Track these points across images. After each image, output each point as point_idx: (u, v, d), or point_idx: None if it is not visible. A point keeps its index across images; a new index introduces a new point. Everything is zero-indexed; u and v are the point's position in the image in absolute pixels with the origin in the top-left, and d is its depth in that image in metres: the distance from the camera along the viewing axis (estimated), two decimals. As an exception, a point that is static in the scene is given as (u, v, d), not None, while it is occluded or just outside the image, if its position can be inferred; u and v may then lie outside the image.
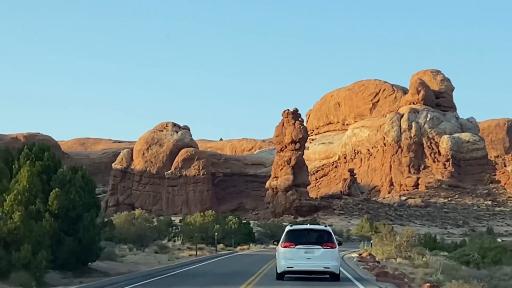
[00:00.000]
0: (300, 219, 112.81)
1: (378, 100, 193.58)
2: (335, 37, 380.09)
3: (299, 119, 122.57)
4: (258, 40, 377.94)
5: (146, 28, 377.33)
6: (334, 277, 22.19)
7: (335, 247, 22.10)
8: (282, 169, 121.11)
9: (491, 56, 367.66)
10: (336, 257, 22.20)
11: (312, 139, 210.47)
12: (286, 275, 22.42)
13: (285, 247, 22.15)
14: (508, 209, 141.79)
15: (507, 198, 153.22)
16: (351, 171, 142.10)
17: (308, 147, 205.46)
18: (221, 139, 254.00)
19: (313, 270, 22.29)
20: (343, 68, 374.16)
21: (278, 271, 22.40)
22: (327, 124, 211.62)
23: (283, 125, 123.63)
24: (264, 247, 60.96)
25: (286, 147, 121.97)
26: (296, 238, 22.37)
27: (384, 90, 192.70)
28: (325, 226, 24.40)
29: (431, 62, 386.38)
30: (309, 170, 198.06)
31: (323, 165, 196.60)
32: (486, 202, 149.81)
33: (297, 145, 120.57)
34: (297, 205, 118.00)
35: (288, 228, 23.31)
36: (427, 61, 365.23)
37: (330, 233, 22.73)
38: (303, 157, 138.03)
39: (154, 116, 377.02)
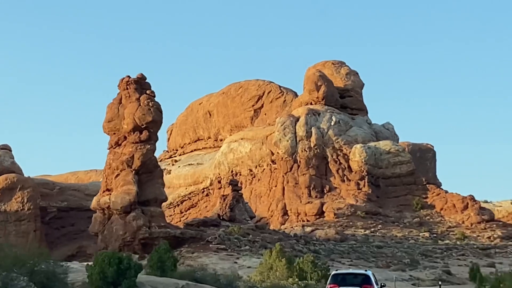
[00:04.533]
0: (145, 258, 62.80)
1: (262, 106, 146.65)
2: (200, 31, 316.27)
3: (147, 92, 72.47)
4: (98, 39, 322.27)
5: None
6: None
7: None
8: (118, 175, 70.32)
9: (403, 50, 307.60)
10: None
11: (176, 161, 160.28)
12: None
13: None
14: (463, 243, 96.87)
15: (447, 229, 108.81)
16: (233, 183, 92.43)
17: (170, 170, 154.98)
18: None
19: None
20: (214, 68, 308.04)
21: None
22: (195, 141, 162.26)
23: (120, 102, 72.95)
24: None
25: (125, 138, 71.35)
26: (340, 281, 28.44)
27: (269, 93, 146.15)
28: (366, 270, 30.82)
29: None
30: (172, 200, 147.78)
31: (190, 193, 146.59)
32: (421, 234, 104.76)
33: (145, 134, 70.33)
34: (144, 236, 67.62)
35: (333, 272, 30.43)
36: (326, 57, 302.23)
37: (369, 276, 28.57)
38: (163, 178, 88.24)
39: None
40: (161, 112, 71.32)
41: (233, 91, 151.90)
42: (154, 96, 72.18)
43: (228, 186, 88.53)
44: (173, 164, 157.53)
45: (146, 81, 73.70)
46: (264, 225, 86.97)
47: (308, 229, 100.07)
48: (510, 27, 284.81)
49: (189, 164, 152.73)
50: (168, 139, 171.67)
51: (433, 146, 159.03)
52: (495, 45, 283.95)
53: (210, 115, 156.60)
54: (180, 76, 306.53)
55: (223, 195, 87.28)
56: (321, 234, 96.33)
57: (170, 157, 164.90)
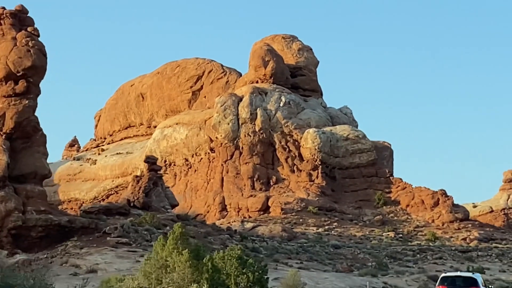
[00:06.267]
0: (22, 257, 44.41)
1: (202, 87, 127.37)
2: (133, 3, 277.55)
3: (28, 29, 52.68)
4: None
5: None
6: None
7: None
8: (-18, 141, 50.39)
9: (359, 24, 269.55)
10: None
11: (103, 150, 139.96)
12: None
13: None
14: (439, 245, 79.60)
15: (414, 229, 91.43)
16: (150, 161, 72.83)
17: (96, 160, 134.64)
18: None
19: None
20: (149, 46, 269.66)
21: None
22: (126, 128, 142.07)
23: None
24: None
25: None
26: (449, 283, 30.30)
27: (210, 72, 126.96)
28: (473, 273, 32.53)
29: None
30: (97, 194, 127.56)
31: (117, 187, 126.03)
32: (385, 234, 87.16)
33: (21, 85, 50.83)
34: (16, 224, 48.12)
35: (442, 275, 31.80)
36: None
37: (477, 279, 30.47)
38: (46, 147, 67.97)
39: None
40: (45, 56, 51.98)
41: (169, 70, 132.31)
42: (38, 36, 52.57)
43: (145, 164, 69.22)
44: (99, 154, 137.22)
45: (28, 15, 53.99)
46: (188, 216, 67.96)
47: (248, 225, 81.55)
48: (468, 19, 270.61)
49: (117, 154, 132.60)
50: (96, 126, 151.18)
51: (390, 144, 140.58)
52: (459, 37, 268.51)
53: (142, 98, 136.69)
54: (110, 55, 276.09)
55: (137, 176, 68.06)
56: (264, 231, 77.81)
57: (97, 146, 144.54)
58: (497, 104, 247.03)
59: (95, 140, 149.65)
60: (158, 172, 70.24)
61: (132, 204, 61.80)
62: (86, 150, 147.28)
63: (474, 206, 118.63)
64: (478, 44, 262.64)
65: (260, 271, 29.65)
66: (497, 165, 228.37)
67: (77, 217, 52.75)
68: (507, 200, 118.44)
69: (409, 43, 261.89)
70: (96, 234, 50.69)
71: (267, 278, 29.83)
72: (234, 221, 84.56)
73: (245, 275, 28.37)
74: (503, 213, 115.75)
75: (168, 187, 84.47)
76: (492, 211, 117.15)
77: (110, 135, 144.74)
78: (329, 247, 67.97)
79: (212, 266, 25.40)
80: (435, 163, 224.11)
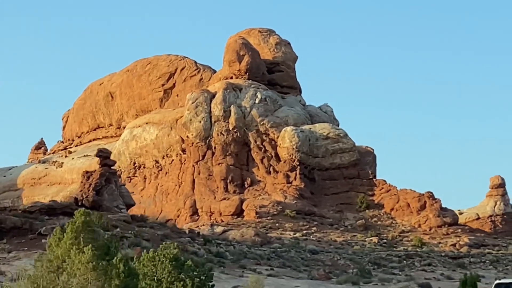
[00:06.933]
0: None
1: (174, 85, 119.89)
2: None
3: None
4: None
5: None
6: None
7: None
8: None
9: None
10: None
11: (70, 152, 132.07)
12: None
13: None
14: (427, 250, 72.78)
15: (399, 234, 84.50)
16: (103, 154, 65.00)
17: (62, 163, 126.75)
18: None
19: None
20: (118, 43, 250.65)
21: None
22: (95, 129, 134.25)
23: None
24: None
25: None
26: None
27: (183, 69, 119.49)
28: None
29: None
30: (63, 199, 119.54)
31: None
32: (368, 239, 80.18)
33: None
34: None
35: (496, 281, 31.00)
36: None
37: None
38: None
39: None
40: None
41: (140, 68, 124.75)
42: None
43: (98, 159, 61.68)
44: (66, 156, 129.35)
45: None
46: (146, 217, 60.41)
47: (218, 229, 74.14)
48: (452, 20, 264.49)
49: (84, 156, 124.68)
50: (64, 127, 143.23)
51: (373, 149, 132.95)
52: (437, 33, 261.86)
53: (112, 97, 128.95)
54: (79, 53, 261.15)
55: (87, 172, 60.50)
56: (235, 235, 70.54)
57: (65, 148, 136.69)
58: (484, 109, 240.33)
59: (62, 142, 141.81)
60: (112, 167, 62.67)
61: (80, 203, 54.35)
62: (53, 153, 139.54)
63: (460, 213, 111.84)
64: (466, 46, 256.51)
65: (204, 277, 22.30)
66: (483, 171, 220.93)
67: (8, 215, 45.17)
68: (494, 207, 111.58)
69: (395, 41, 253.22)
70: (29, 235, 43.12)
71: (213, 285, 22.54)
72: (203, 225, 77.16)
73: (181, 282, 21.14)
74: (490, 220, 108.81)
75: (123, 184, 76.83)
76: (478, 218, 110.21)
77: (78, 137, 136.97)
78: (305, 252, 60.85)
79: (127, 269, 18.02)
80: (419, 169, 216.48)
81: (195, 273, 21.95)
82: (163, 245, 22.62)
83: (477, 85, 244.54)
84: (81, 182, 58.31)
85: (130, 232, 47.89)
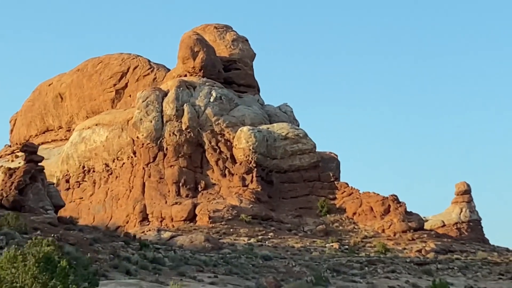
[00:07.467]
0: None
1: (126, 85, 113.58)
2: None
3: None
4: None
5: None
6: None
7: None
8: None
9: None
10: None
11: (17, 156, 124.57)
12: None
13: None
14: (391, 256, 67.50)
15: (362, 240, 79.09)
16: (29, 148, 58.38)
17: (9, 168, 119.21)
18: None
19: None
20: (69, 42, 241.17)
21: None
22: (44, 132, 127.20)
23: None
24: None
25: None
26: None
27: (135, 69, 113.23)
28: None
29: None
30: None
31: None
32: (328, 245, 74.61)
33: None
34: None
35: None
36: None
37: None
38: None
39: None
40: None
41: (90, 67, 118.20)
42: None
43: (23, 155, 55.37)
44: (12, 161, 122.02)
45: None
46: (75, 220, 54.13)
47: (166, 234, 67.98)
48: (423, 20, 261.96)
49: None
50: (11, 130, 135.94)
51: (337, 155, 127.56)
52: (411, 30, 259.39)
53: (61, 98, 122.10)
54: (28, 52, 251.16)
55: (10, 169, 54.21)
56: (184, 241, 64.52)
57: (12, 152, 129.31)
58: (450, 115, 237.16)
59: (10, 146, 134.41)
60: (39, 164, 56.37)
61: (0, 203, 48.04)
62: (0, 157, 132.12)
63: (426, 220, 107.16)
64: (427, 48, 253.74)
65: (87, 283, 16.30)
66: (449, 177, 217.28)
67: None
68: (460, 214, 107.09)
69: (358, 42, 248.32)
70: None
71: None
72: (149, 230, 71.01)
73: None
74: (455, 227, 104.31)
75: (53, 183, 70.34)
76: (444, 225, 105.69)
77: (26, 140, 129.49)
78: (257, 258, 54.99)
79: None
80: (382, 174, 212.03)
81: (72, 277, 16.02)
82: (32, 241, 16.77)
83: (444, 89, 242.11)
84: (3, 180, 52.13)
85: (53, 235, 41.55)
